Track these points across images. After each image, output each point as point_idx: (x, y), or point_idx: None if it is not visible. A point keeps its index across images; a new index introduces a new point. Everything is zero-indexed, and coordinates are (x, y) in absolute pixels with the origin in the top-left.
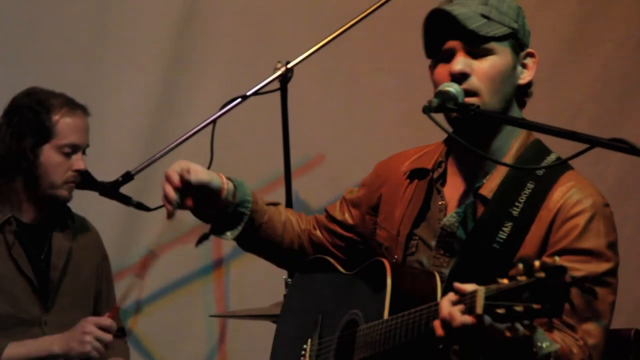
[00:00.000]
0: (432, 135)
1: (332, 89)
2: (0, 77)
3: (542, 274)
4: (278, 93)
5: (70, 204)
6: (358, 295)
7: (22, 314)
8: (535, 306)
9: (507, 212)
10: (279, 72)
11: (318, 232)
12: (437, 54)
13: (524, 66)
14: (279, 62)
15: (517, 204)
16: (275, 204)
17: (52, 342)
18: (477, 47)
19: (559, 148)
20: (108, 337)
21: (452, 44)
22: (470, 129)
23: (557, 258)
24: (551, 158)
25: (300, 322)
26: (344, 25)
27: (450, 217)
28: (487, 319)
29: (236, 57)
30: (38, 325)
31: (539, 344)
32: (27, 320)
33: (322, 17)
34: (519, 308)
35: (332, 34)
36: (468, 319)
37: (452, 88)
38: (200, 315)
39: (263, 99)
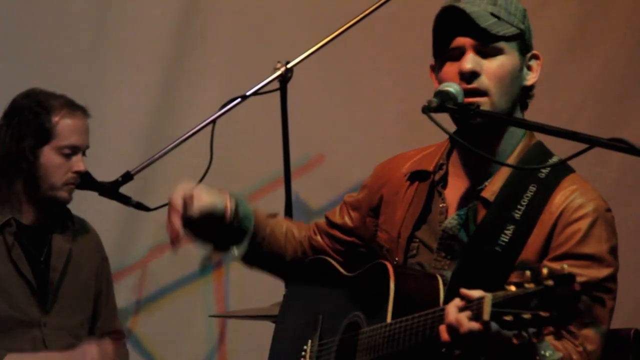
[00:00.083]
0: (432, 135)
1: (331, 89)
2: (0, 77)
3: (550, 282)
4: (278, 93)
5: (70, 204)
6: (360, 298)
7: (22, 316)
8: (543, 314)
9: (509, 215)
10: (278, 72)
11: (318, 237)
12: (445, 52)
13: (529, 68)
14: (278, 62)
15: (519, 206)
16: (274, 215)
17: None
18: (487, 46)
19: (559, 148)
20: None
21: (461, 41)
22: (473, 131)
23: (565, 266)
24: (553, 160)
25: (300, 323)
26: (343, 26)
27: (452, 219)
28: (494, 325)
29: (236, 57)
30: (37, 327)
31: (542, 352)
32: (26, 322)
33: (322, 17)
34: (526, 315)
35: (331, 34)
36: (475, 325)
37: (452, 88)
38: (200, 315)
39: (263, 99)
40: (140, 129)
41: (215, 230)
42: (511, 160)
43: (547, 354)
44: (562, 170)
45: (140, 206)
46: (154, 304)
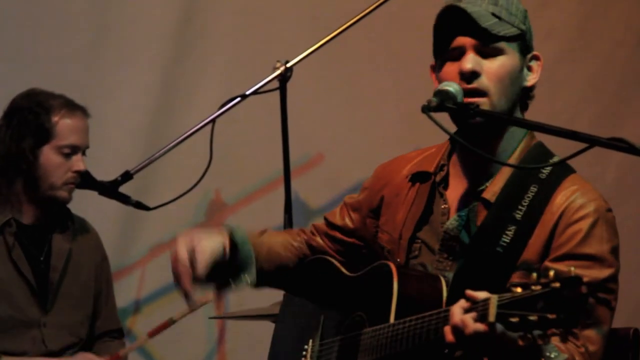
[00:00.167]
0: (432, 135)
1: (331, 89)
2: (0, 77)
3: (557, 284)
4: (277, 92)
5: (70, 204)
6: (362, 298)
7: (21, 316)
8: (549, 316)
9: (510, 215)
10: (278, 72)
11: (318, 239)
12: (445, 52)
13: (530, 69)
14: (278, 61)
15: (520, 207)
16: (264, 232)
17: None
18: (487, 46)
19: (558, 148)
20: None
21: (462, 41)
22: (473, 131)
23: (572, 268)
24: (553, 161)
25: (301, 322)
26: (343, 25)
27: (454, 220)
28: (499, 327)
29: (235, 57)
30: (37, 327)
31: (547, 353)
32: (26, 322)
33: (321, 16)
34: (533, 317)
35: (331, 34)
36: (480, 326)
37: (452, 87)
38: (200, 315)
39: (262, 98)
40: (140, 129)
41: (218, 272)
42: (512, 160)
43: (553, 355)
44: (563, 170)
45: (139, 205)
46: (153, 303)
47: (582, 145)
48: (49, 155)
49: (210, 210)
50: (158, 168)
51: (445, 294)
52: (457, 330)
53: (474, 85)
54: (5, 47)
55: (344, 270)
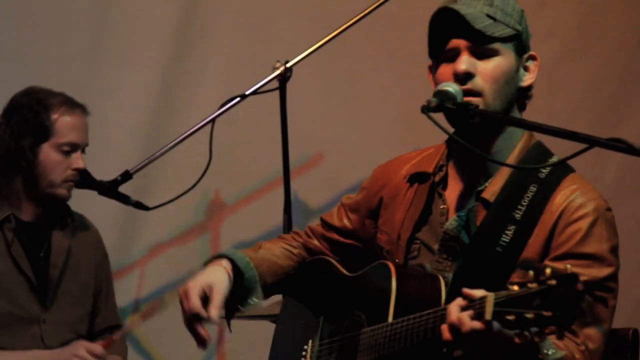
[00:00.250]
0: (431, 135)
1: (331, 88)
2: (0, 76)
3: (553, 282)
4: (277, 92)
5: (69, 203)
6: (361, 297)
7: (21, 312)
8: (546, 313)
9: (509, 215)
10: (277, 72)
11: (315, 241)
12: (440, 53)
13: (526, 69)
14: (277, 61)
15: (519, 207)
16: (259, 246)
17: (41, 357)
18: (482, 47)
19: (558, 148)
20: None
21: (456, 43)
22: (471, 130)
23: (568, 266)
24: (553, 160)
25: (301, 322)
26: (343, 25)
27: (453, 220)
28: (496, 325)
29: (235, 57)
30: (37, 324)
31: (545, 350)
32: (25, 319)
33: (321, 16)
34: (529, 315)
35: (331, 34)
36: (477, 324)
37: (451, 88)
38: None
39: (262, 98)
40: (140, 129)
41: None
42: (511, 160)
43: (550, 352)
44: (563, 170)
45: (139, 205)
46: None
47: (582, 146)
48: (48, 152)
49: (210, 210)
50: (158, 168)
51: (444, 293)
52: (454, 328)
53: (468, 86)
54: (5, 47)
55: (343, 270)
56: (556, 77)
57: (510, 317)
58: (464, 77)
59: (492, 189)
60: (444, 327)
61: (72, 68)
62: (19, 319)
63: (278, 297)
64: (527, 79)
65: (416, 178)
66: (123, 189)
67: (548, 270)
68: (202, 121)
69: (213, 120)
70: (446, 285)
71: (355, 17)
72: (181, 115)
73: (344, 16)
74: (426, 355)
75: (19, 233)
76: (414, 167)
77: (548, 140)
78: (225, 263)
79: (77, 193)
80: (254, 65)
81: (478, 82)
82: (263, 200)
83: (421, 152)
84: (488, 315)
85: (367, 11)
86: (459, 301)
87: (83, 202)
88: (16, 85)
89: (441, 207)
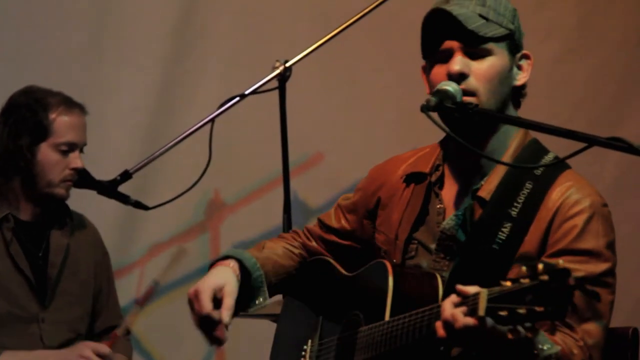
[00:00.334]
0: (431, 134)
1: (330, 88)
2: (0, 76)
3: (545, 277)
4: (276, 92)
5: (69, 203)
6: (359, 297)
7: (20, 312)
8: (538, 309)
9: (506, 212)
10: (277, 71)
11: (313, 243)
12: (434, 54)
13: (520, 68)
14: (277, 61)
15: (515, 204)
16: (263, 246)
17: (47, 358)
18: (475, 47)
19: (557, 147)
20: None
21: (450, 44)
22: (467, 129)
23: (560, 261)
24: (549, 157)
25: (300, 322)
26: (342, 24)
27: (450, 220)
28: (489, 321)
29: (234, 56)
30: (36, 323)
31: (540, 346)
32: (24, 318)
33: (321, 16)
34: (521, 310)
35: (330, 33)
36: (470, 320)
37: (451, 87)
38: None
39: (261, 97)
40: (139, 128)
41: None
42: (506, 157)
43: (545, 347)
44: (558, 166)
45: (138, 205)
46: (153, 303)
47: (581, 145)
48: (46, 152)
49: (210, 209)
50: (157, 167)
51: (441, 291)
52: (448, 324)
53: (462, 86)
54: (5, 47)
55: (341, 270)
56: (556, 77)
57: (503, 313)
58: (457, 78)
59: (487, 187)
60: (438, 324)
61: (72, 68)
62: (17, 318)
63: (278, 297)
64: (520, 78)
65: (412, 178)
66: (123, 188)
67: (540, 266)
68: (201, 121)
69: (213, 120)
70: (443, 282)
71: (355, 16)
72: (181, 115)
73: (344, 16)
74: (423, 353)
75: (17, 232)
76: (410, 167)
77: (547, 139)
78: (232, 264)
79: (76, 193)
80: (253, 65)
81: (472, 83)
82: (263, 200)
83: (416, 152)
84: (481, 312)
85: (366, 11)
86: (453, 298)
87: (83, 201)
88: (16, 85)
89: (438, 206)
